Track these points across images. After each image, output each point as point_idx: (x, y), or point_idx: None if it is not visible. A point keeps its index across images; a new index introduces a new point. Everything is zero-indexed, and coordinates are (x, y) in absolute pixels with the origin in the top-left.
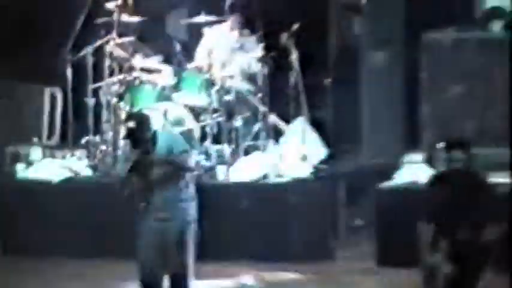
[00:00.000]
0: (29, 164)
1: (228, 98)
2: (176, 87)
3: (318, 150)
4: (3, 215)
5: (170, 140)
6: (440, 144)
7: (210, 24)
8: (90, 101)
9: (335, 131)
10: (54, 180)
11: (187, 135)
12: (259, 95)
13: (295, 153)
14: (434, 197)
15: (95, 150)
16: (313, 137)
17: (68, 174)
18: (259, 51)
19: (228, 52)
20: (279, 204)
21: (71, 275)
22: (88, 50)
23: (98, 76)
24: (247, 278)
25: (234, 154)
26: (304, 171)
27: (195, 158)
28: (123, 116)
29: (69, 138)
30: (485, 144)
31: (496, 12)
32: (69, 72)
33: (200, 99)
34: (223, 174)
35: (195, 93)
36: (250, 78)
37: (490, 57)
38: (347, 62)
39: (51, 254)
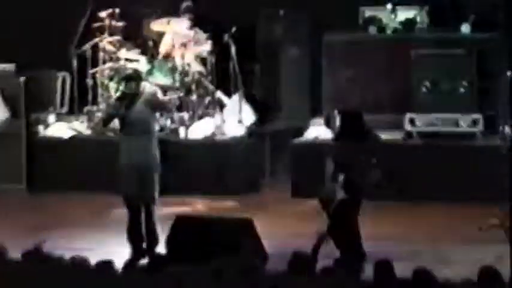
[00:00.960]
0: (47, 126)
1: (187, 79)
2: (150, 72)
3: (249, 116)
4: (30, 161)
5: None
6: (335, 112)
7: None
8: (90, 82)
9: (262, 103)
10: (64, 137)
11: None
12: (209, 77)
13: (233, 118)
14: (336, 145)
15: (93, 117)
16: (246, 107)
17: (73, 133)
18: (208, 45)
19: (186, 44)
20: (223, 154)
21: (77, 203)
22: (87, 46)
23: (94, 64)
24: (199, 206)
25: (191, 119)
26: (240, 131)
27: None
28: (112, 92)
29: (74, 108)
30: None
31: (372, 20)
32: (74, 61)
33: (167, 80)
34: (183, 134)
35: (163, 76)
36: (202, 64)
37: (369, 51)
38: (270, 54)
39: (62, 189)
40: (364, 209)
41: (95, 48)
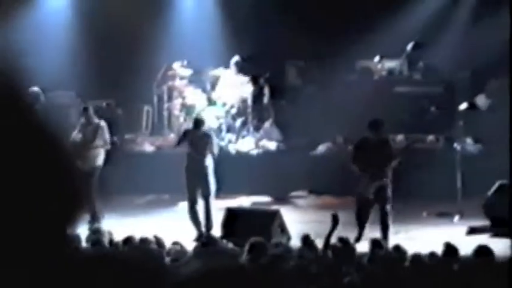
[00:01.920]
0: (136, 143)
1: (233, 110)
2: (208, 105)
3: (279, 136)
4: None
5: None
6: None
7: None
8: (165, 113)
9: (287, 128)
10: (147, 150)
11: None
12: (249, 109)
13: (267, 138)
14: (357, 153)
15: (167, 136)
16: (276, 130)
17: (154, 149)
18: (250, 86)
19: (234, 85)
20: (259, 163)
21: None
22: (164, 87)
23: (169, 100)
24: (243, 201)
25: (236, 139)
26: (272, 146)
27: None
28: (181, 121)
29: (155, 131)
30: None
31: (365, 69)
32: (155, 98)
33: (220, 112)
34: (232, 149)
35: (217, 109)
36: (244, 101)
37: (364, 89)
38: (294, 92)
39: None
40: None
41: (169, 88)
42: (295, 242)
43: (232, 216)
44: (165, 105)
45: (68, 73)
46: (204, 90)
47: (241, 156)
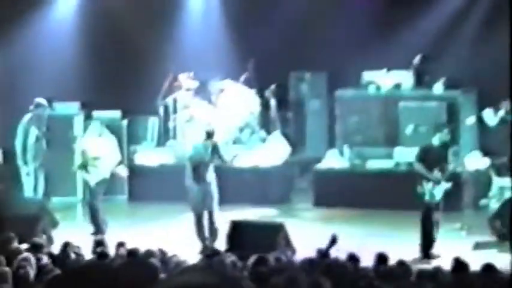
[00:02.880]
0: (141, 154)
1: (240, 123)
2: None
3: (284, 148)
4: (130, 178)
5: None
6: (345, 146)
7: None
8: (172, 124)
9: (293, 139)
10: (153, 162)
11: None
12: (256, 121)
13: (272, 150)
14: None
15: (175, 147)
16: (281, 142)
17: (159, 160)
18: (255, 98)
19: (240, 97)
20: (265, 175)
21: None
22: (170, 98)
23: (174, 111)
24: (248, 213)
25: (244, 150)
26: (284, 156)
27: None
28: (187, 131)
29: (161, 141)
30: (367, 145)
31: (371, 81)
32: (161, 109)
33: (225, 124)
34: (237, 161)
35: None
36: (250, 113)
37: (369, 103)
38: (299, 104)
39: (152, 199)
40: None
41: (175, 100)
42: (301, 256)
43: (237, 228)
44: (171, 117)
45: (74, 84)
46: (209, 102)
47: (247, 168)
